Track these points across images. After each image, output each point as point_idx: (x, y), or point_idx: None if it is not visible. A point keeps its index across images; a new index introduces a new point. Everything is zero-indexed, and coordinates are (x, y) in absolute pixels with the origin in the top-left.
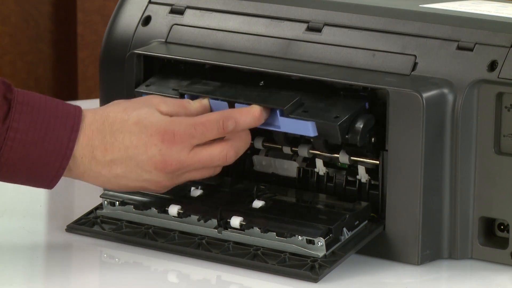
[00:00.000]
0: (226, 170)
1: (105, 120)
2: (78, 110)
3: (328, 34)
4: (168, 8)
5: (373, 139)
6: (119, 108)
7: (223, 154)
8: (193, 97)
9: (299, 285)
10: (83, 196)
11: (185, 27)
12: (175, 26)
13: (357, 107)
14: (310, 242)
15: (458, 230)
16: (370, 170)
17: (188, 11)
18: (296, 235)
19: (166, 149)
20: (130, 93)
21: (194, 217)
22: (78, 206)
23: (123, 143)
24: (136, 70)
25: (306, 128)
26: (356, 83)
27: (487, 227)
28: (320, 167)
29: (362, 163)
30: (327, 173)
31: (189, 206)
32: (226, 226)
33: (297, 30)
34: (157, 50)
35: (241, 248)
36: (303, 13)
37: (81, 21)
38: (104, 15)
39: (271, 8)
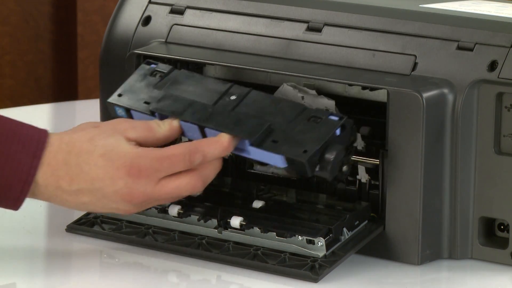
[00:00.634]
0: (226, 170)
1: (71, 150)
2: (43, 135)
3: (328, 34)
4: (168, 8)
5: (344, 167)
6: (85, 137)
7: (190, 185)
8: (162, 117)
9: (299, 285)
10: None
11: (185, 27)
12: (175, 26)
13: (326, 136)
14: (310, 242)
15: (458, 230)
16: (370, 170)
17: (188, 11)
18: (296, 235)
19: (132, 183)
20: None
21: (194, 217)
22: None
23: (89, 175)
24: None
25: (276, 160)
26: (356, 83)
27: (487, 227)
28: None
29: (362, 163)
30: None
31: (189, 206)
32: (226, 226)
33: (297, 30)
34: (157, 50)
35: (241, 248)
36: (303, 13)
37: (81, 21)
38: (104, 15)
39: (271, 8)
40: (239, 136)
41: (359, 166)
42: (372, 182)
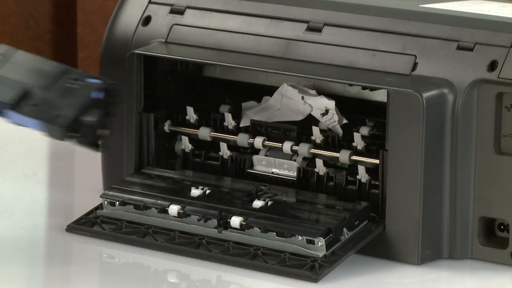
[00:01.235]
0: (226, 170)
1: None
2: None
3: (328, 34)
4: (168, 8)
5: (102, 131)
6: None
7: None
8: None
9: (299, 285)
10: (83, 196)
11: (185, 27)
12: (175, 26)
13: (83, 100)
14: (310, 242)
15: (458, 230)
16: (370, 170)
17: (188, 11)
18: (296, 235)
19: None
20: (130, 93)
21: (194, 217)
22: (78, 206)
23: None
24: (136, 70)
25: (34, 125)
26: (356, 83)
27: (487, 227)
28: (320, 167)
29: (362, 163)
30: (327, 173)
31: (189, 206)
32: (226, 226)
33: (297, 30)
34: (157, 50)
35: (241, 248)
36: (303, 13)
37: (81, 21)
38: (104, 15)
39: (271, 8)
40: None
41: (359, 166)
42: (372, 182)
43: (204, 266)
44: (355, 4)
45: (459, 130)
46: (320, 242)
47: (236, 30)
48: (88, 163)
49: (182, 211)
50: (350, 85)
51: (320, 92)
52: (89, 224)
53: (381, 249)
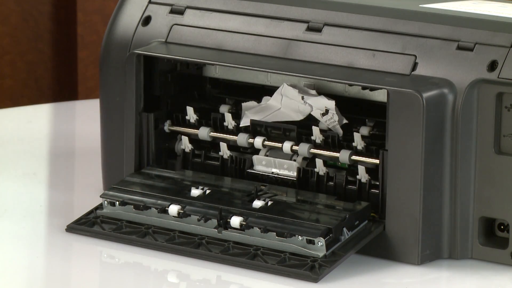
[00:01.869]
0: (226, 170)
1: None
2: None
3: (328, 34)
4: (168, 8)
5: None
6: None
7: None
8: None
9: (299, 285)
10: (83, 196)
11: (185, 27)
12: (175, 26)
13: None
14: (310, 242)
15: (458, 230)
16: (370, 170)
17: (188, 11)
18: (296, 235)
19: None
20: (130, 93)
21: (194, 217)
22: (78, 206)
23: None
24: (136, 70)
25: None
26: (356, 83)
27: (487, 227)
28: (320, 167)
29: (362, 163)
30: (327, 173)
31: (189, 206)
32: (226, 226)
33: (297, 30)
34: (157, 50)
35: (241, 248)
36: (303, 13)
37: (81, 21)
38: (104, 15)
39: (271, 8)
40: None
41: (359, 166)
42: (372, 182)
43: (204, 266)
44: (355, 4)
45: (459, 130)
46: (320, 242)
47: (236, 30)
48: (88, 163)
49: (182, 211)
50: (350, 85)
51: (320, 92)
52: (89, 224)
53: (381, 249)
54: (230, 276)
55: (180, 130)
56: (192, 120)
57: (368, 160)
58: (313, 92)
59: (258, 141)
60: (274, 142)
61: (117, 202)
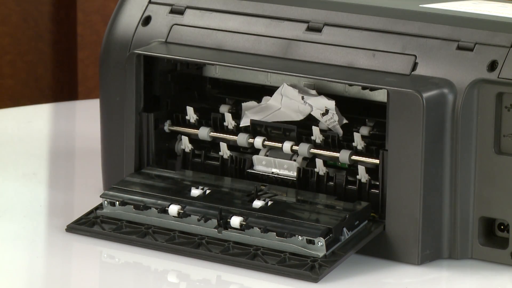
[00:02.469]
0: (226, 170)
1: None
2: None
3: (328, 34)
4: (168, 8)
5: None
6: None
7: None
8: None
9: (299, 285)
10: (83, 196)
11: (185, 27)
12: (175, 26)
13: None
14: (310, 242)
15: (458, 230)
16: (370, 170)
17: (188, 11)
18: (296, 235)
19: None
20: (130, 93)
21: (194, 217)
22: (78, 206)
23: None
24: (136, 70)
25: None
26: (356, 83)
27: (487, 227)
28: (320, 167)
29: (362, 163)
30: (327, 173)
31: (189, 206)
32: (226, 226)
33: (297, 30)
34: (157, 50)
35: (241, 248)
36: (303, 13)
37: (81, 21)
38: (104, 15)
39: (271, 8)
40: None
41: (359, 166)
42: (372, 182)
43: (204, 266)
44: (355, 4)
45: (459, 130)
46: (320, 242)
47: (236, 30)
48: (88, 163)
49: (182, 211)
50: (350, 85)
51: (320, 92)
52: (89, 224)
53: (381, 249)
54: (230, 276)
55: (180, 130)
56: (192, 120)
57: (368, 160)
58: (313, 92)
59: (258, 141)
60: (274, 142)
61: (117, 202)
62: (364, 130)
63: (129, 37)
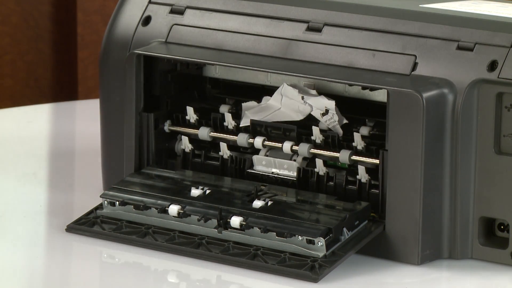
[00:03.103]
0: (226, 170)
1: None
2: None
3: (328, 34)
4: (168, 8)
5: None
6: None
7: None
8: None
9: (299, 285)
10: (83, 196)
11: (185, 27)
12: (175, 26)
13: None
14: (310, 242)
15: (458, 230)
16: (370, 170)
17: (188, 11)
18: (296, 235)
19: None
20: (130, 93)
21: (194, 217)
22: (78, 206)
23: None
24: (136, 70)
25: None
26: (356, 83)
27: (487, 227)
28: (320, 167)
29: (362, 163)
30: (327, 173)
31: (189, 206)
32: (226, 226)
33: (297, 30)
34: (157, 50)
35: (241, 248)
36: (303, 13)
37: (81, 21)
38: (104, 15)
39: (271, 8)
40: None
41: (359, 166)
42: (372, 182)
43: (204, 266)
44: (355, 4)
45: (459, 130)
46: (320, 242)
47: (236, 30)
48: (88, 163)
49: (182, 211)
50: (350, 85)
51: (320, 92)
52: (89, 224)
53: (381, 249)
54: (230, 276)
55: (180, 130)
56: (192, 120)
57: (368, 160)
58: (313, 92)
59: (258, 141)
60: (274, 142)
61: (117, 202)
62: (364, 130)
63: (129, 37)
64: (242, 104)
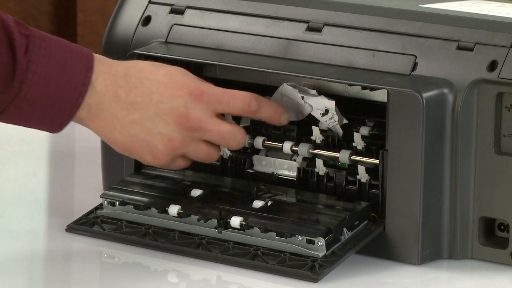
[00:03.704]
0: (226, 170)
1: (132, 66)
2: (90, 53)
3: (328, 34)
4: (168, 8)
5: None
6: (146, 62)
7: (238, 135)
8: None
9: (299, 285)
10: (83, 196)
11: (185, 27)
12: (175, 26)
13: None
14: (310, 242)
15: (458, 230)
16: (370, 170)
17: (188, 11)
18: (296, 235)
19: (192, 103)
20: None
21: (194, 217)
22: (78, 206)
23: (149, 89)
24: None
25: None
26: (356, 83)
27: (487, 227)
28: (320, 167)
29: (362, 163)
30: (327, 173)
31: (189, 206)
32: (226, 226)
33: (297, 30)
34: (157, 50)
35: (241, 248)
36: (303, 13)
37: (81, 21)
38: (104, 15)
39: (271, 8)
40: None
41: (359, 166)
42: (372, 182)
43: (204, 266)
44: (355, 4)
45: (459, 130)
46: (320, 242)
47: (236, 30)
48: (88, 163)
49: (182, 211)
50: (350, 85)
51: (320, 92)
52: (89, 224)
53: (381, 249)
54: (230, 276)
55: None
56: None
57: (368, 160)
58: (313, 92)
59: (258, 141)
60: (274, 142)
61: (117, 202)
62: (364, 130)
63: (129, 37)
64: None
